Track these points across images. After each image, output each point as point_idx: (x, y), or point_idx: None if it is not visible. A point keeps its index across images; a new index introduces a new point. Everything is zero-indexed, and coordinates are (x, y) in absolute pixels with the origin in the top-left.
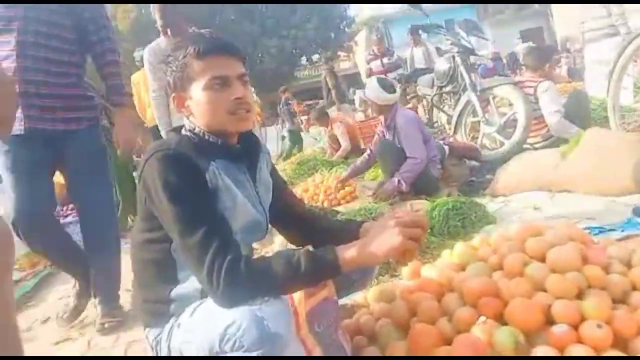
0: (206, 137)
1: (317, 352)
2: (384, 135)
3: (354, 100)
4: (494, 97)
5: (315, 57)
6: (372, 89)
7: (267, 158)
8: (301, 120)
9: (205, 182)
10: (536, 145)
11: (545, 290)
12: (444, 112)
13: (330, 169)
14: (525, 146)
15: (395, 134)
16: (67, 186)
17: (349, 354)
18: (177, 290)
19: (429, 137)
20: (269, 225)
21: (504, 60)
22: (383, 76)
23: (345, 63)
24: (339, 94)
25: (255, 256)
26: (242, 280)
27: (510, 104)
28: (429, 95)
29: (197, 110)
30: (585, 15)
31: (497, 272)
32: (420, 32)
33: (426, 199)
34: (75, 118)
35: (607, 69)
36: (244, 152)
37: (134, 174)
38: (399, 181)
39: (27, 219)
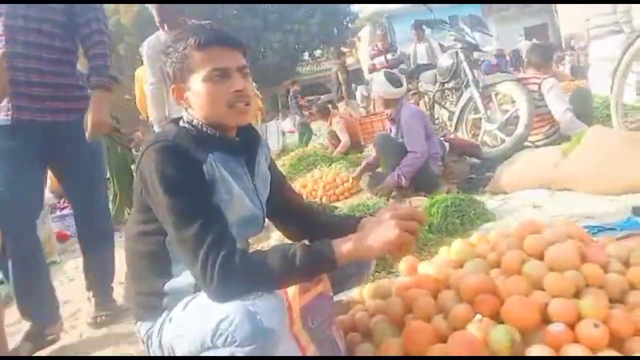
0: (204, 129)
1: (311, 349)
2: (390, 130)
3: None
4: (496, 94)
5: (317, 52)
6: (379, 83)
7: (266, 152)
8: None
9: (202, 174)
10: (538, 143)
11: (542, 289)
12: (445, 108)
13: (330, 164)
14: (526, 144)
15: (399, 128)
16: (58, 180)
17: (343, 351)
18: (171, 284)
19: (431, 133)
20: (266, 220)
21: (507, 57)
22: (390, 70)
23: (348, 59)
24: (349, 89)
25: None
26: (236, 274)
27: (513, 101)
28: (431, 91)
29: (196, 102)
30: (590, 12)
31: (495, 270)
32: (423, 27)
33: (425, 196)
34: (64, 109)
35: (612, 67)
36: (243, 145)
37: (132, 167)
38: (398, 176)
39: (3, 212)
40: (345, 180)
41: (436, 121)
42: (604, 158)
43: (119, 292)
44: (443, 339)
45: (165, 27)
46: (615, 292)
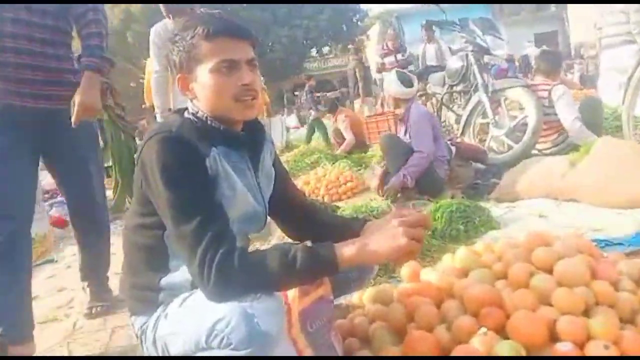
0: (209, 122)
1: (308, 354)
2: (399, 131)
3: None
4: (505, 99)
5: (325, 49)
6: (390, 83)
7: (271, 148)
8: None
9: (205, 168)
10: (545, 152)
11: (550, 304)
12: (453, 111)
13: (333, 163)
14: (533, 151)
15: (407, 129)
16: (51, 171)
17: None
18: (167, 279)
19: (439, 135)
20: (268, 218)
21: (517, 63)
22: (402, 70)
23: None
24: (366, 86)
25: (251, 249)
26: (234, 274)
27: (521, 108)
28: (439, 93)
29: (202, 94)
30: (603, 21)
31: (501, 281)
32: (434, 28)
33: (429, 200)
34: (58, 95)
35: (623, 77)
36: (248, 140)
37: (135, 155)
38: (404, 175)
39: None
40: (348, 179)
41: (443, 124)
42: (614, 170)
43: (115, 283)
44: (445, 351)
45: (171, 16)
46: (626, 311)
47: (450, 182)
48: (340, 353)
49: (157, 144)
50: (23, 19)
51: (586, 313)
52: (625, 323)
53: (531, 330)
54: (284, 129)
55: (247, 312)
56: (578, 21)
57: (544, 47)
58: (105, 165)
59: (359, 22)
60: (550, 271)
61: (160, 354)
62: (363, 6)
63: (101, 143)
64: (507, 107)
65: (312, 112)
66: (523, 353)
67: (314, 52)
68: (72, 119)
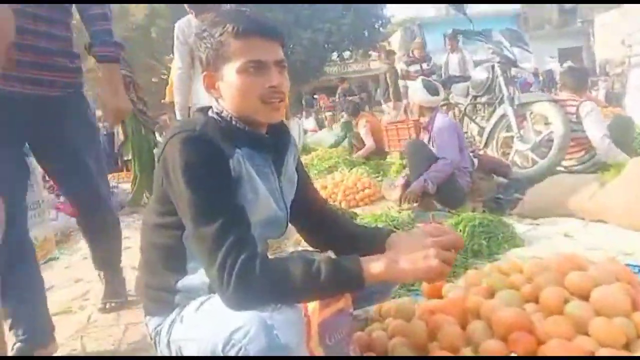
0: (233, 122)
1: None
2: (428, 139)
3: (381, 101)
4: (531, 113)
5: (346, 54)
6: (416, 91)
7: (295, 151)
8: (325, 117)
9: (228, 169)
10: (571, 169)
11: (587, 334)
12: (475, 123)
13: (351, 168)
14: (559, 168)
15: (431, 137)
16: (43, 166)
17: None
18: (184, 281)
19: (464, 146)
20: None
21: (541, 77)
22: (428, 78)
23: (375, 63)
24: (397, 91)
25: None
26: (255, 282)
27: (547, 123)
28: (462, 104)
29: (228, 93)
30: (632, 39)
31: (531, 305)
32: (458, 38)
33: (449, 211)
34: (51, 80)
35: None
36: (272, 142)
37: (155, 150)
38: (425, 180)
39: None
40: (366, 186)
41: (465, 135)
42: None
43: (130, 278)
44: None
45: (194, 13)
46: None
47: (471, 195)
48: None
49: (180, 143)
50: None
51: (627, 347)
52: None
53: None
54: (301, 131)
55: (266, 323)
56: (605, 38)
57: (570, 63)
58: (125, 158)
59: (380, 29)
60: (585, 298)
61: None
62: (386, 13)
63: (121, 137)
64: (532, 121)
65: (344, 115)
66: None
67: (334, 56)
68: (108, 126)
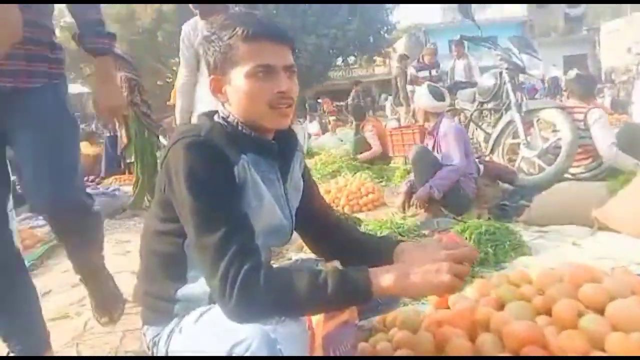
0: (240, 127)
1: None
2: (433, 144)
3: (384, 106)
4: (538, 120)
5: (351, 59)
6: (421, 96)
7: (301, 157)
8: (329, 121)
9: (232, 176)
10: (578, 176)
11: (603, 349)
12: (482, 129)
13: (354, 173)
14: (566, 176)
15: (436, 142)
16: (15, 171)
17: None
18: (184, 290)
19: (470, 152)
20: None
21: (546, 84)
22: (434, 84)
23: (380, 68)
24: (407, 96)
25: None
26: (258, 293)
27: (555, 130)
28: (468, 109)
29: (235, 98)
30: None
31: (543, 317)
32: (464, 44)
33: (454, 218)
34: (26, 71)
35: None
36: (279, 148)
37: (157, 153)
38: (431, 187)
39: None
40: (370, 191)
41: (470, 141)
42: None
43: (130, 284)
44: None
45: (199, 14)
46: None
47: (477, 201)
48: None
49: (184, 148)
50: None
51: None
52: None
53: None
54: (306, 135)
55: (269, 337)
56: (610, 45)
57: (576, 70)
58: (128, 161)
59: (386, 35)
60: (600, 311)
61: None
62: (392, 19)
63: (125, 139)
64: (539, 128)
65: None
66: None
67: (339, 61)
68: (101, 123)
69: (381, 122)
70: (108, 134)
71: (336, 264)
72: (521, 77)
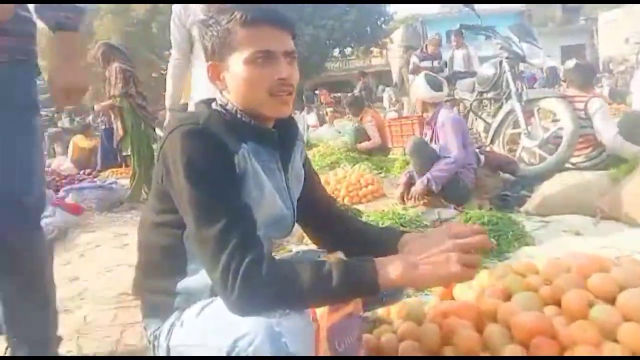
0: (239, 115)
1: None
2: (425, 135)
3: (382, 98)
4: (538, 110)
5: (348, 50)
6: (419, 86)
7: (302, 147)
8: (326, 112)
9: (233, 166)
10: (579, 165)
11: (615, 340)
12: (482, 119)
13: (353, 164)
14: (566, 165)
15: (434, 133)
16: None
17: None
18: (184, 283)
19: (469, 142)
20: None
21: (544, 74)
22: (431, 73)
23: (377, 59)
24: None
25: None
26: (261, 286)
27: (555, 119)
28: (467, 99)
29: (234, 85)
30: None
31: (551, 308)
32: (463, 33)
33: (455, 209)
34: None
35: None
36: (279, 137)
37: (153, 146)
38: (428, 180)
39: None
40: (369, 182)
41: (470, 131)
42: None
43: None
44: None
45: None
46: None
47: (477, 192)
48: None
49: (181, 137)
50: None
51: None
52: None
53: None
54: (304, 127)
55: (273, 330)
56: (608, 35)
57: (575, 60)
58: (124, 154)
59: (383, 25)
60: (610, 301)
61: None
62: (389, 9)
63: (120, 132)
64: (540, 117)
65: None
66: None
67: (336, 52)
68: (55, 107)
69: (379, 113)
70: (104, 127)
71: (339, 255)
72: (521, 66)
